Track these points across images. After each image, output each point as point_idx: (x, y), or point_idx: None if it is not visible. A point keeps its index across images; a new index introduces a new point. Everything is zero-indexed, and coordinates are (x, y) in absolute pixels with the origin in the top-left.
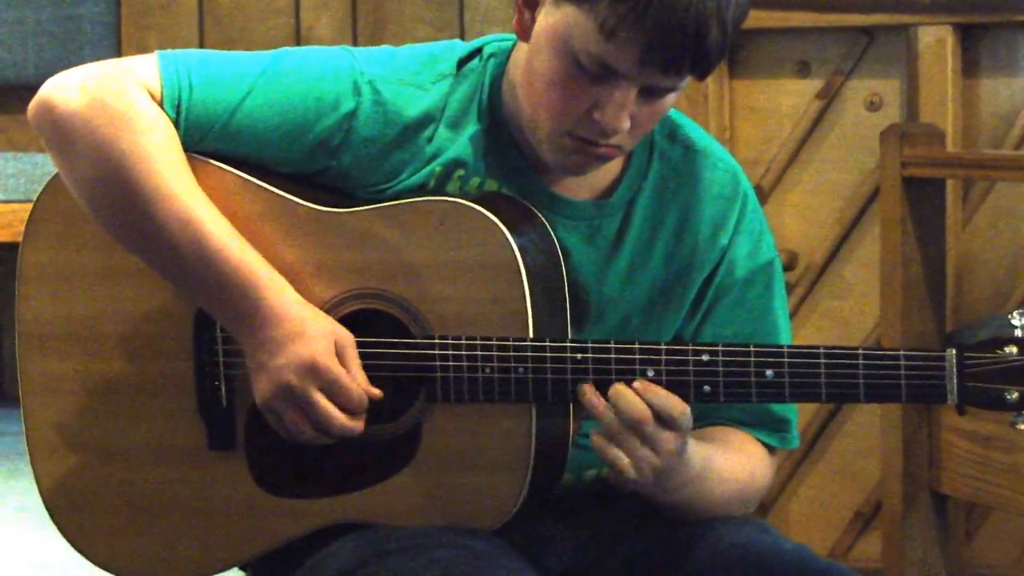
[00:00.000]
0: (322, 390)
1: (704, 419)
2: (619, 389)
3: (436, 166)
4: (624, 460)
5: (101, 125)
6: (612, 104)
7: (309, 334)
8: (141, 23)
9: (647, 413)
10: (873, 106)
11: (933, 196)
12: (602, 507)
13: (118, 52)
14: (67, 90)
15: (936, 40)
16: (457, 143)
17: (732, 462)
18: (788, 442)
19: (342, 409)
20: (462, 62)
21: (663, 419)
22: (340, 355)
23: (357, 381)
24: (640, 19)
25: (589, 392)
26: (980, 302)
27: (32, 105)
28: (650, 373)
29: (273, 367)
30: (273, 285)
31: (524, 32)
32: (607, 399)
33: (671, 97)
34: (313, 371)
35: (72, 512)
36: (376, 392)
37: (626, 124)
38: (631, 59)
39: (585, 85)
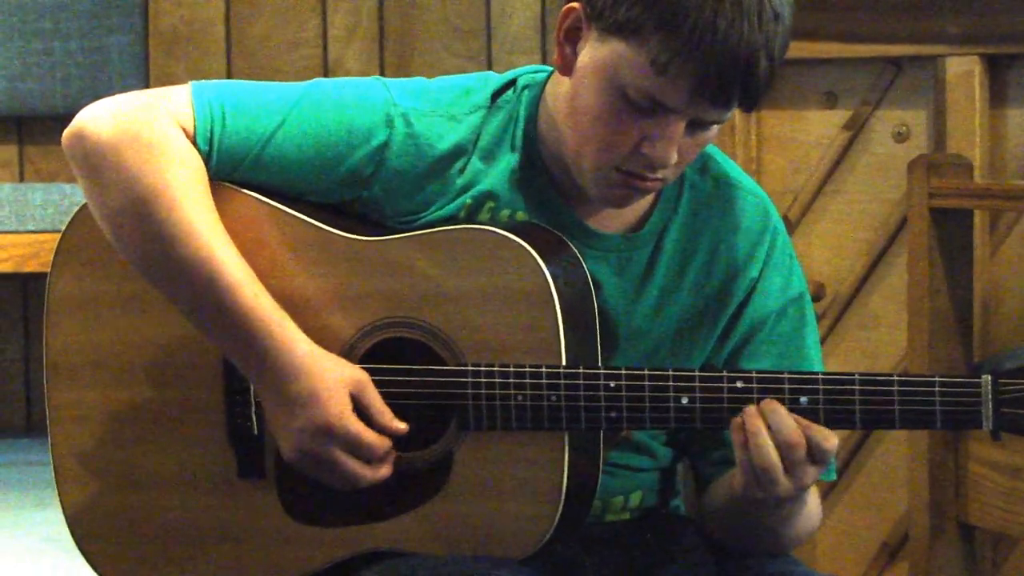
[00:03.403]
0: (343, 449)
1: None
2: (775, 406)
3: (467, 198)
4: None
5: (129, 156)
6: (662, 138)
7: (322, 395)
8: (169, 54)
9: (802, 438)
10: (900, 137)
11: (961, 227)
12: (631, 537)
13: (146, 83)
14: (100, 120)
15: (964, 71)
16: (490, 175)
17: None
18: (827, 474)
19: (367, 461)
20: (496, 94)
21: (812, 450)
22: (358, 400)
23: (382, 416)
24: (692, 54)
25: (753, 413)
26: (1008, 332)
27: (66, 133)
28: (684, 400)
29: (292, 431)
30: (283, 333)
31: (566, 67)
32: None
33: (715, 129)
34: (330, 434)
35: (99, 541)
36: (401, 427)
37: (675, 157)
38: (683, 93)
39: (633, 119)
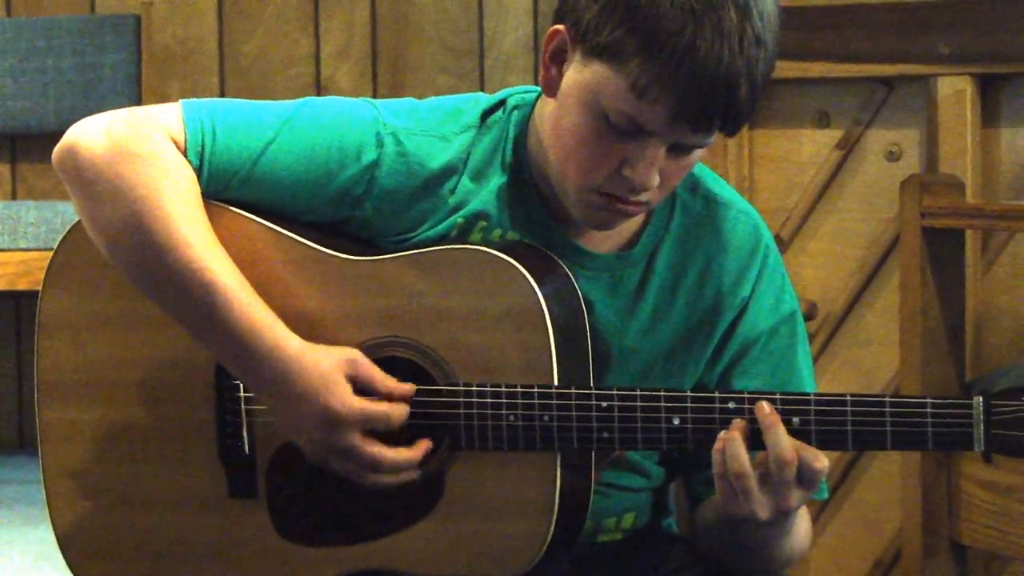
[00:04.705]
0: (358, 431)
1: None
2: (775, 420)
3: (458, 217)
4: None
5: (122, 169)
6: (642, 161)
7: (320, 387)
8: (162, 72)
9: (796, 456)
10: (892, 156)
11: (953, 246)
12: (623, 557)
13: (139, 101)
14: (92, 135)
15: (955, 90)
16: (480, 195)
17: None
18: (819, 492)
19: (386, 437)
20: (486, 114)
21: (802, 470)
22: (356, 379)
23: (385, 385)
24: (672, 78)
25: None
26: (1000, 351)
27: (57, 149)
28: (676, 421)
29: (305, 430)
30: (275, 336)
31: (551, 88)
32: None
33: (698, 152)
34: (339, 420)
35: (91, 560)
36: (407, 388)
37: (655, 181)
38: (662, 117)
39: (614, 142)
